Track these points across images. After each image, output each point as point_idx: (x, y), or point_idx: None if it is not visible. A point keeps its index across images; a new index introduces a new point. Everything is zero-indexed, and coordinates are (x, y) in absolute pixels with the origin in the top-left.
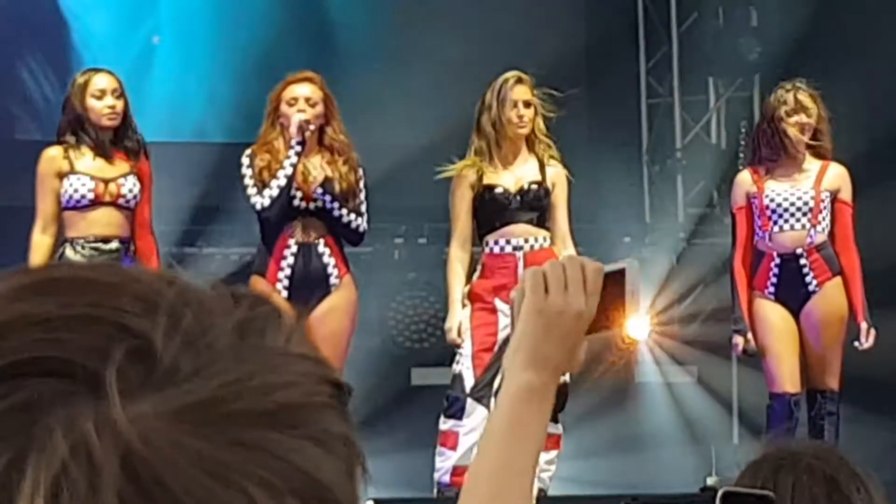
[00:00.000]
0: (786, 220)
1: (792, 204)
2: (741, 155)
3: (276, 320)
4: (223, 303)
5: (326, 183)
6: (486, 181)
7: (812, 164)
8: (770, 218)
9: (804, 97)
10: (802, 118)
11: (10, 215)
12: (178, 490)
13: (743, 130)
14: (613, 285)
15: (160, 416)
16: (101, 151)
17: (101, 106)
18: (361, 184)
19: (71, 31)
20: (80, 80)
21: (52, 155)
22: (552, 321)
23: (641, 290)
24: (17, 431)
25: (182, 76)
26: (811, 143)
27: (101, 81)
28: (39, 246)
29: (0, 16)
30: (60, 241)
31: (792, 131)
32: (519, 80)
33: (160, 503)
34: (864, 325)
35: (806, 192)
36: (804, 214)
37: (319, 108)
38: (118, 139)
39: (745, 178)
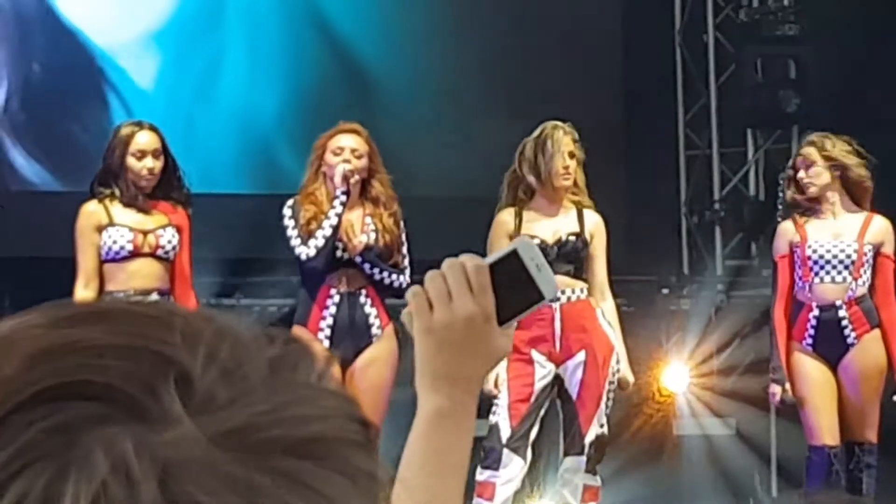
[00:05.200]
0: (827, 272)
1: (834, 256)
2: (779, 207)
3: (308, 358)
4: (258, 340)
5: (366, 251)
6: (523, 231)
7: (855, 217)
8: (811, 269)
9: (808, 151)
10: (801, 174)
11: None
12: None
13: (781, 182)
14: (511, 270)
15: (197, 441)
16: (135, 205)
17: (140, 167)
18: (403, 237)
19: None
20: (124, 133)
21: (91, 210)
22: (443, 336)
23: (544, 262)
24: (57, 451)
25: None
26: (808, 199)
27: (142, 140)
28: None
29: (46, 79)
30: (102, 295)
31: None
32: (563, 131)
33: None
34: None
35: (849, 245)
36: (846, 267)
37: (364, 161)
38: (159, 191)
39: (788, 226)
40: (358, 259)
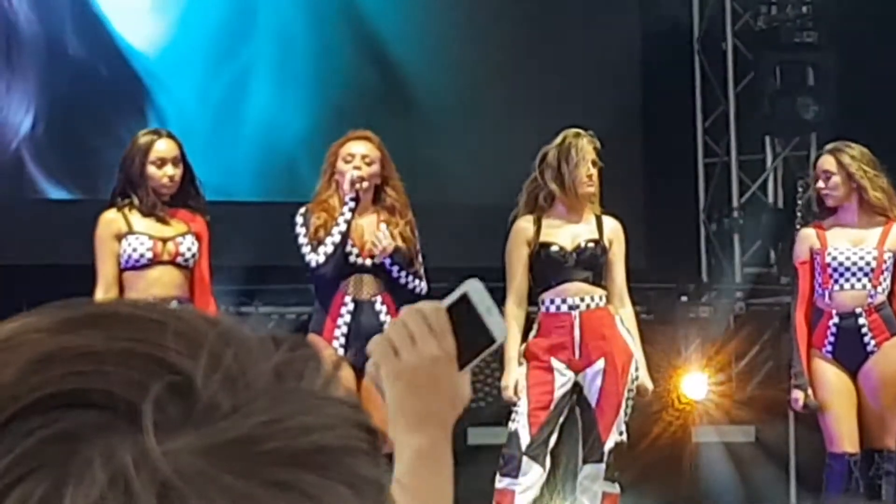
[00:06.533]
0: (846, 280)
1: (854, 263)
2: (798, 214)
3: (315, 364)
4: (263, 345)
5: (396, 253)
6: (542, 238)
7: (875, 223)
8: (831, 276)
9: (828, 160)
10: (820, 184)
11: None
12: None
13: (800, 189)
14: (464, 313)
15: (197, 452)
16: (155, 213)
17: (161, 175)
18: (418, 244)
19: (150, 94)
20: (142, 141)
21: (110, 218)
22: (413, 379)
23: (493, 303)
24: (55, 461)
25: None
26: (831, 206)
27: (162, 147)
28: None
29: (80, 76)
30: None
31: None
32: (586, 139)
33: None
34: None
35: (868, 253)
36: (865, 275)
37: (375, 168)
38: (177, 199)
39: (809, 232)
40: (388, 261)
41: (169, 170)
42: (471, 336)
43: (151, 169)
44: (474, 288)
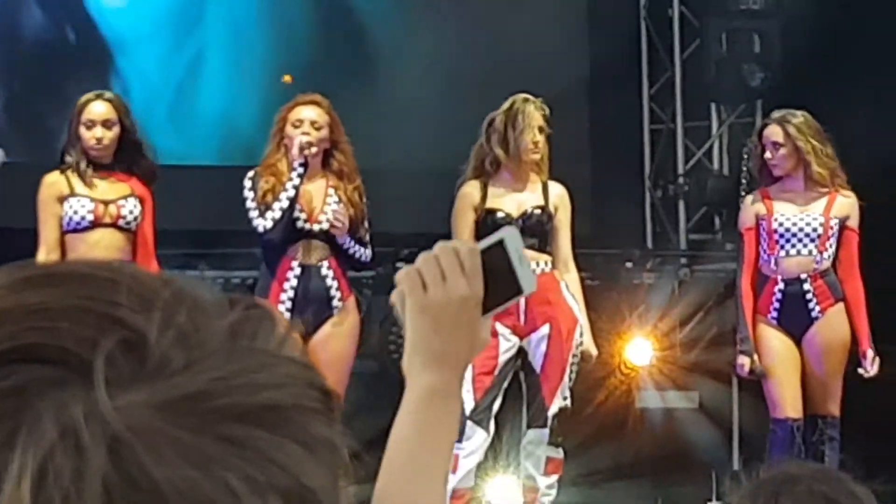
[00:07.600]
0: (793, 245)
1: (801, 230)
2: (743, 181)
3: (269, 324)
4: (218, 304)
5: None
6: (488, 205)
7: (821, 190)
8: (777, 242)
9: (775, 131)
10: (768, 154)
11: None
12: (161, 479)
13: (745, 156)
14: (496, 259)
15: (149, 407)
16: (87, 175)
17: (89, 136)
18: (366, 210)
19: (115, 55)
20: (80, 102)
21: (52, 181)
22: (438, 316)
23: (525, 255)
24: (7, 415)
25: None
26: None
27: (95, 110)
28: None
29: (43, 42)
30: None
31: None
32: (534, 105)
33: (143, 491)
34: (869, 353)
35: (815, 219)
36: (812, 241)
37: (324, 132)
38: (121, 163)
39: (755, 199)
40: (340, 240)
41: (98, 132)
42: (499, 283)
43: (82, 130)
44: (511, 236)
